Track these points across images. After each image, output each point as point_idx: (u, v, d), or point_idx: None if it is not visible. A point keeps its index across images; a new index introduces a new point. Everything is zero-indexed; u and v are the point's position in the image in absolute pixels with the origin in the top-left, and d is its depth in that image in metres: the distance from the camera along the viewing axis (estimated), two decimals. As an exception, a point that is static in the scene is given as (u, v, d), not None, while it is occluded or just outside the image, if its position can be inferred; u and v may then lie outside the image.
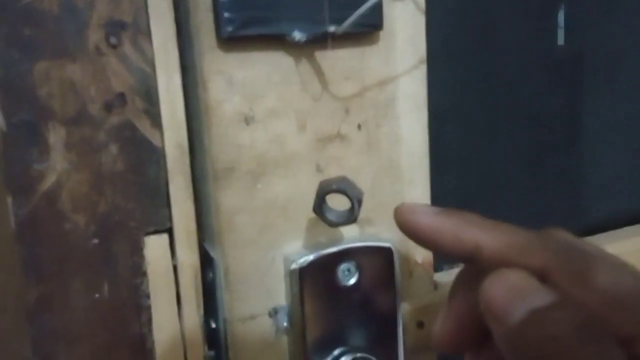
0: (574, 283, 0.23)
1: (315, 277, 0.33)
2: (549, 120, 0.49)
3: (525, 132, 0.49)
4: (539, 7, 0.47)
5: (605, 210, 0.53)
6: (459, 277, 0.28)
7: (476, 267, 0.26)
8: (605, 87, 0.51)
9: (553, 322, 0.21)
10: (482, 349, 0.27)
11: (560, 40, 0.48)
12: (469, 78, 0.45)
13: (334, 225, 0.30)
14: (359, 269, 0.34)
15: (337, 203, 0.31)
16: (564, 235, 0.25)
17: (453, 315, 0.27)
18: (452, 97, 0.44)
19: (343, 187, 0.29)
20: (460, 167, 0.46)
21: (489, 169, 0.48)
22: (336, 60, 0.33)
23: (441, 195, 0.39)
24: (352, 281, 0.34)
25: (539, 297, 0.22)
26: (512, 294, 0.23)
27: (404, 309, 0.36)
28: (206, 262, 0.34)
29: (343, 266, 0.33)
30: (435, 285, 0.38)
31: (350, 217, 0.30)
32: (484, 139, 0.47)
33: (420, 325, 0.37)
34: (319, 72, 0.33)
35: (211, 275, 0.33)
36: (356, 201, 0.29)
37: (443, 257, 0.38)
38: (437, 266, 0.40)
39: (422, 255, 0.37)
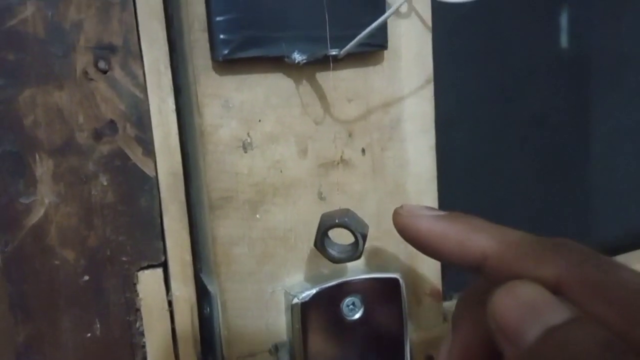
0: (592, 296, 0.21)
1: (318, 312, 0.31)
2: (556, 126, 0.48)
3: (532, 139, 0.47)
4: (543, 9, 0.45)
5: (618, 228, 0.51)
6: (463, 299, 0.26)
7: (482, 284, 0.24)
8: (612, 90, 0.50)
9: (574, 341, 0.19)
10: None
11: (565, 43, 0.47)
12: (473, 84, 0.43)
13: (337, 261, 0.28)
14: (364, 302, 0.32)
15: (341, 235, 0.29)
16: (577, 245, 0.23)
17: (459, 346, 0.25)
18: (457, 103, 0.42)
19: (346, 221, 0.27)
20: (464, 175, 0.44)
21: (495, 177, 0.47)
22: (339, 81, 0.32)
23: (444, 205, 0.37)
24: (357, 315, 0.32)
25: (556, 313, 0.20)
26: (525, 310, 0.20)
27: (412, 342, 0.34)
28: (203, 294, 0.32)
29: (347, 300, 0.31)
30: (445, 317, 0.36)
31: (355, 253, 0.28)
32: (489, 145, 0.46)
33: (430, 359, 0.35)
34: (320, 94, 0.31)
35: (208, 309, 0.32)
36: (360, 237, 0.27)
37: (447, 266, 0.36)
38: (447, 294, 0.38)
39: (430, 285, 0.35)
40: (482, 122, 0.45)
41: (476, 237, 0.23)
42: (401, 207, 0.25)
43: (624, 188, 0.52)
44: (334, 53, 0.28)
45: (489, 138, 0.46)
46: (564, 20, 0.47)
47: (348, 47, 0.28)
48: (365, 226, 0.28)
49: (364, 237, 0.28)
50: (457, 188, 0.42)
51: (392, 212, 0.33)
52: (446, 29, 0.35)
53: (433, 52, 0.33)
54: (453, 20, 0.40)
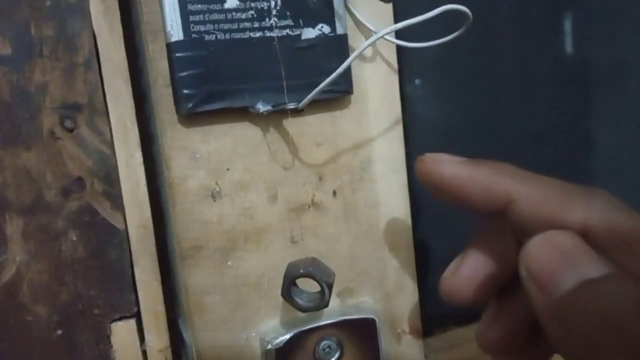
0: (619, 246, 0.21)
1: (293, 357, 0.31)
2: (556, 139, 0.47)
3: (534, 147, 0.46)
4: (545, 14, 0.44)
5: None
6: (478, 230, 0.26)
7: (497, 224, 0.24)
8: (615, 97, 0.49)
9: (608, 296, 0.19)
10: (502, 303, 0.25)
11: (569, 49, 0.46)
12: (471, 91, 0.43)
13: (305, 311, 0.28)
14: (340, 344, 0.32)
15: (310, 281, 0.30)
16: (607, 194, 0.23)
17: (467, 265, 0.25)
18: (456, 111, 0.42)
19: (311, 271, 0.27)
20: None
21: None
22: (306, 127, 0.32)
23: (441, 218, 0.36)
24: (333, 359, 0.32)
25: (593, 266, 0.20)
26: (562, 259, 0.20)
27: (392, 383, 0.34)
28: (181, 342, 0.32)
29: (323, 344, 0.32)
30: (426, 355, 0.36)
31: (322, 302, 0.28)
32: (489, 154, 0.45)
33: (409, 399, 0.35)
34: (288, 140, 0.32)
35: (185, 357, 0.32)
36: (326, 286, 0.27)
37: (426, 303, 0.36)
38: (428, 330, 0.37)
39: (410, 322, 0.35)
40: (480, 136, 0.44)
41: (503, 180, 0.23)
42: (424, 155, 0.25)
43: (627, 199, 0.51)
44: (292, 106, 0.28)
45: (486, 153, 0.45)
46: (561, 30, 0.46)
47: (308, 98, 0.28)
48: (331, 275, 0.28)
49: (330, 287, 0.28)
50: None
51: (366, 253, 0.34)
52: (441, 36, 0.34)
53: (430, 65, 0.33)
54: (449, 26, 0.39)
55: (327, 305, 0.28)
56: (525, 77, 0.45)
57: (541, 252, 0.20)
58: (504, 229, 0.23)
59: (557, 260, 0.20)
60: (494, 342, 0.25)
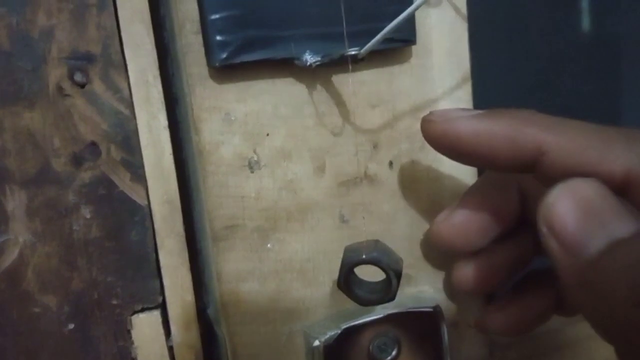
0: None
1: (344, 355, 0.27)
2: (585, 110, 0.43)
3: None
4: None
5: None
6: (477, 181, 0.26)
7: (504, 175, 0.24)
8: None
9: None
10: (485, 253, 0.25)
11: (586, 26, 0.43)
12: (489, 70, 0.39)
13: (366, 304, 0.24)
14: (398, 341, 0.27)
15: (370, 271, 0.25)
16: None
17: (460, 213, 0.24)
18: (479, 93, 0.39)
19: (376, 256, 0.22)
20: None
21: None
22: (359, 84, 0.27)
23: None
24: (390, 357, 0.27)
25: (622, 222, 0.17)
26: (588, 216, 0.17)
27: (455, 384, 0.30)
28: (211, 335, 0.28)
29: (378, 340, 0.27)
30: (492, 352, 0.31)
31: (387, 294, 0.23)
32: None
33: (476, 403, 0.30)
34: (338, 101, 0.27)
35: (217, 354, 0.27)
36: (394, 275, 0.23)
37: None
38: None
39: (474, 315, 0.30)
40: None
41: (530, 131, 0.20)
42: (430, 113, 0.23)
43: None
44: (353, 52, 0.23)
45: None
46: (589, 3, 0.43)
47: (370, 44, 0.23)
48: (399, 261, 0.24)
49: (398, 275, 0.23)
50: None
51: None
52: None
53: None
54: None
55: (393, 297, 0.23)
56: (551, 53, 0.42)
57: (564, 206, 0.18)
58: (507, 179, 0.23)
59: (582, 216, 0.17)
60: (467, 280, 0.26)
